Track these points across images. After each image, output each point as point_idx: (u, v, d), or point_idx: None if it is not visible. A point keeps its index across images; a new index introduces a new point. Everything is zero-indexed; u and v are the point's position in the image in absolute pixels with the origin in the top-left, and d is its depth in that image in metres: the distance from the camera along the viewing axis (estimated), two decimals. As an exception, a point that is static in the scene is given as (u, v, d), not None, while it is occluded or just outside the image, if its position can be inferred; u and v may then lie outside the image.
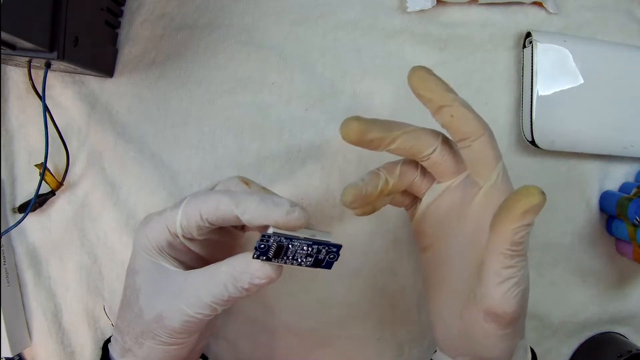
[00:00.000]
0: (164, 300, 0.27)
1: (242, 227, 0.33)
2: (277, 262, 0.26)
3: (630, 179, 0.43)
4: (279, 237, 0.25)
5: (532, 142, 0.39)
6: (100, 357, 0.31)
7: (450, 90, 0.28)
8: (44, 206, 0.39)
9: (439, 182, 0.31)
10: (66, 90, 0.38)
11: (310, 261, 0.27)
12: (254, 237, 0.37)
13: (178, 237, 0.28)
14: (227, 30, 0.39)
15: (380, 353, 0.41)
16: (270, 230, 0.25)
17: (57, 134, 0.36)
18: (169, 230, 0.28)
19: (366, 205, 0.31)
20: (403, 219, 0.40)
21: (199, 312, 0.27)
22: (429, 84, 0.28)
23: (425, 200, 0.32)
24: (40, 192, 0.36)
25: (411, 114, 0.41)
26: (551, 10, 0.41)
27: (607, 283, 0.44)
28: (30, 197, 0.36)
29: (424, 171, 0.32)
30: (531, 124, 0.39)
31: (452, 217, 0.31)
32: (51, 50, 0.30)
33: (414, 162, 0.32)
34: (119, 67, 0.39)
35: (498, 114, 0.41)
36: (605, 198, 0.42)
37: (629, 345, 0.42)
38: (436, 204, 0.31)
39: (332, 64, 0.40)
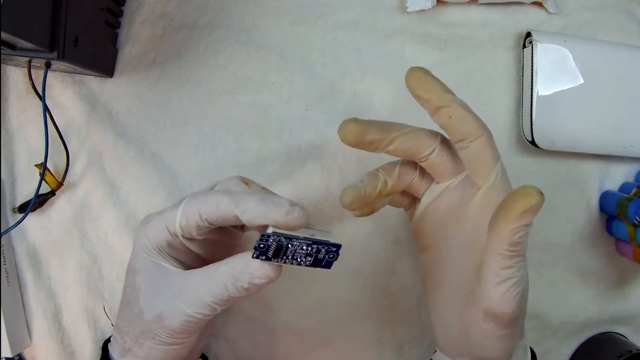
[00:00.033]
0: (163, 300, 0.27)
1: (242, 227, 0.33)
2: (277, 261, 0.26)
3: (630, 179, 0.43)
4: (278, 236, 0.25)
5: (532, 142, 0.39)
6: (100, 357, 0.31)
7: (448, 90, 0.28)
8: (44, 206, 0.39)
9: (437, 183, 0.31)
10: (66, 90, 0.39)
11: (310, 261, 0.27)
12: (254, 237, 0.37)
13: (178, 237, 0.28)
14: (227, 30, 0.39)
15: (380, 353, 0.41)
16: (269, 230, 0.25)
17: (57, 134, 0.36)
18: (169, 230, 0.28)
19: (365, 206, 0.31)
20: (403, 219, 0.40)
21: (198, 312, 0.27)
22: (426, 85, 0.28)
23: (424, 200, 0.32)
24: (40, 192, 0.36)
25: (411, 114, 0.41)
26: (551, 10, 0.41)
27: (607, 283, 0.44)
28: (30, 197, 0.36)
29: (423, 172, 0.32)
30: (531, 124, 0.39)
31: (451, 218, 0.31)
32: (51, 50, 0.30)
33: (412, 163, 0.32)
34: (119, 67, 0.39)
35: (498, 114, 0.41)
36: (605, 198, 0.42)
37: (629, 345, 0.42)
38: (435, 204, 0.31)
39: (332, 64, 0.40)
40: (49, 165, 0.38)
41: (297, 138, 0.39)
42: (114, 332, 0.31)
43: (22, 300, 0.39)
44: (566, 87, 0.39)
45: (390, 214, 0.40)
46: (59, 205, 0.39)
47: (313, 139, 0.39)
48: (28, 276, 0.39)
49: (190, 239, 0.28)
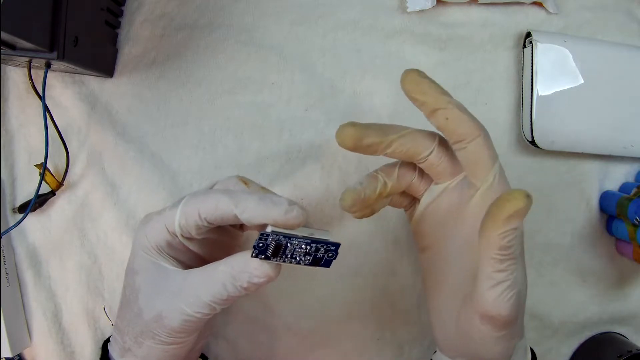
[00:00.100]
0: (163, 299, 0.27)
1: (241, 227, 0.33)
2: (276, 260, 0.26)
3: (630, 179, 0.43)
4: (277, 235, 0.25)
5: (532, 142, 0.39)
6: (100, 357, 0.31)
7: (444, 92, 0.28)
8: (44, 206, 0.39)
9: (436, 184, 0.31)
10: (66, 90, 0.39)
11: (309, 260, 0.27)
12: (253, 236, 0.37)
13: (177, 236, 0.28)
14: (227, 30, 0.39)
15: (380, 353, 0.41)
16: (268, 229, 0.25)
17: (57, 134, 0.36)
18: (168, 230, 0.28)
19: (365, 208, 0.31)
20: (403, 219, 0.40)
21: (198, 312, 0.27)
22: (422, 87, 0.28)
23: (424, 201, 0.32)
24: (40, 192, 0.36)
25: (411, 114, 0.41)
26: (551, 10, 0.41)
27: (607, 283, 0.44)
28: (30, 197, 0.36)
29: (422, 172, 0.32)
30: (531, 124, 0.39)
31: (450, 218, 0.31)
32: (51, 50, 0.30)
33: (411, 164, 0.32)
34: (119, 67, 0.39)
35: (498, 114, 0.41)
36: (605, 198, 0.42)
37: (629, 345, 0.42)
38: (434, 205, 0.31)
39: (332, 64, 0.40)
40: (49, 165, 0.38)
41: (297, 138, 0.39)
42: (114, 332, 0.31)
43: (22, 300, 0.39)
44: (566, 87, 0.39)
45: (391, 214, 0.40)
46: (59, 205, 0.39)
47: (313, 139, 0.39)
48: (28, 276, 0.39)
49: (190, 239, 0.28)
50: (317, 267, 0.27)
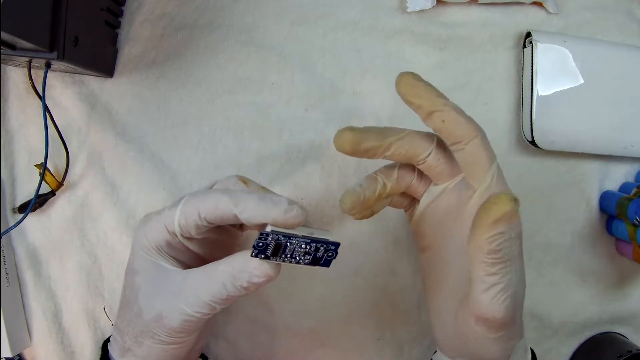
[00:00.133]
0: (163, 299, 0.27)
1: (241, 226, 0.33)
2: (276, 260, 0.26)
3: (630, 179, 0.43)
4: (277, 235, 0.25)
5: (532, 142, 0.39)
6: (100, 356, 0.31)
7: (440, 95, 0.28)
8: (44, 206, 0.39)
9: (435, 184, 0.31)
10: (66, 90, 0.39)
11: (309, 259, 0.27)
12: (253, 236, 0.37)
13: (176, 236, 0.28)
14: (227, 30, 0.39)
15: (380, 353, 0.41)
16: (268, 229, 0.25)
17: (57, 134, 0.36)
18: (168, 230, 0.28)
19: (365, 209, 0.31)
20: (403, 219, 0.40)
21: (198, 311, 0.27)
22: (417, 90, 0.28)
23: (423, 201, 0.32)
24: (40, 192, 0.36)
25: (412, 114, 0.41)
26: (551, 10, 0.41)
27: (607, 283, 0.44)
28: (30, 197, 0.36)
29: (421, 173, 0.32)
30: (531, 124, 0.39)
31: (449, 219, 0.31)
32: (51, 50, 0.31)
33: (410, 165, 0.32)
34: (119, 67, 0.39)
35: (498, 114, 0.41)
36: (605, 198, 0.42)
37: (629, 345, 0.42)
38: (434, 205, 0.31)
39: (332, 64, 0.40)
40: (49, 165, 0.38)
41: (297, 138, 0.39)
42: (114, 332, 0.31)
43: (22, 300, 0.39)
44: (566, 87, 0.39)
45: (391, 214, 0.40)
46: (59, 205, 0.39)
47: (313, 139, 0.39)
48: (28, 276, 0.39)
49: (189, 238, 0.28)
50: (317, 267, 0.27)
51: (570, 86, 0.39)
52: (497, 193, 0.24)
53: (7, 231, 0.36)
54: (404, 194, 0.33)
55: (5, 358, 0.38)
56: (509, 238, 0.25)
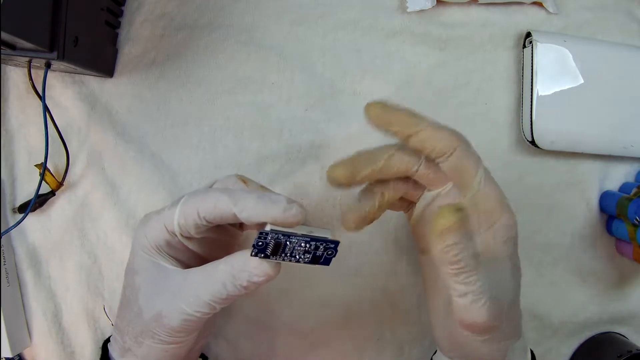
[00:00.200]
0: (163, 299, 0.27)
1: (240, 226, 0.33)
2: (275, 259, 0.26)
3: (630, 179, 0.43)
4: (276, 234, 0.25)
5: (532, 142, 0.39)
6: (100, 356, 0.31)
7: (411, 115, 0.28)
8: (44, 206, 0.39)
9: (429, 190, 0.31)
10: (66, 90, 0.39)
11: (309, 258, 0.27)
12: (253, 236, 0.37)
13: (176, 235, 0.28)
14: (227, 30, 0.39)
15: (380, 353, 0.41)
16: (267, 228, 0.25)
17: (57, 134, 0.36)
18: (167, 229, 0.28)
19: (363, 222, 0.31)
20: (403, 220, 0.40)
21: (197, 311, 0.27)
22: (387, 119, 0.28)
23: (419, 206, 0.32)
24: (40, 192, 0.36)
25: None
26: (551, 10, 0.41)
27: (607, 283, 0.44)
28: (30, 197, 0.36)
29: (416, 180, 0.32)
30: (531, 124, 0.39)
31: None
32: (51, 50, 0.31)
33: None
34: (119, 67, 0.39)
35: (498, 114, 0.41)
36: (605, 198, 0.42)
37: (629, 345, 0.42)
38: (430, 208, 0.32)
39: (332, 64, 0.40)
40: (49, 165, 0.38)
41: (297, 138, 0.39)
42: (114, 331, 0.31)
43: (22, 300, 0.39)
44: (566, 87, 0.39)
45: (391, 214, 0.39)
46: (59, 205, 0.39)
47: (313, 139, 0.39)
48: (28, 276, 0.39)
49: (189, 238, 0.28)
50: (317, 265, 0.27)
51: (570, 86, 0.39)
52: (443, 206, 0.24)
53: (7, 231, 0.36)
54: (402, 198, 0.33)
55: (5, 358, 0.38)
56: (466, 247, 0.25)
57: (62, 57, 0.31)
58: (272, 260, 0.26)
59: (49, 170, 0.37)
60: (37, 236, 0.39)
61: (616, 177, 0.43)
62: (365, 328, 0.41)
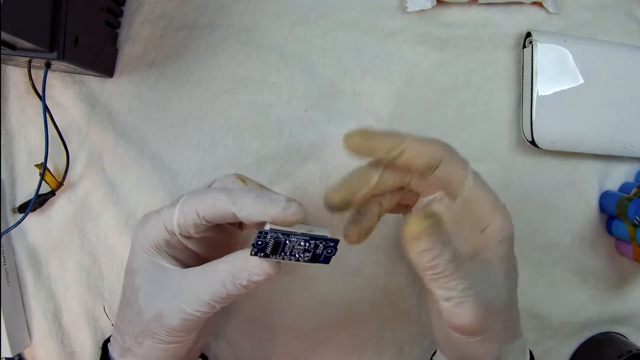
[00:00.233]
0: (163, 299, 0.27)
1: (240, 225, 0.33)
2: (275, 258, 0.26)
3: (630, 179, 0.43)
4: (276, 233, 0.25)
5: (532, 142, 0.39)
6: (100, 356, 0.31)
7: (391, 136, 0.28)
8: (44, 206, 0.39)
9: (423, 197, 0.32)
10: (66, 90, 0.39)
11: (308, 256, 0.27)
12: (253, 235, 0.37)
13: (175, 235, 0.28)
14: (227, 30, 0.39)
15: (380, 353, 0.41)
16: (267, 227, 0.25)
17: (57, 134, 0.36)
18: (167, 229, 0.28)
19: (365, 234, 0.31)
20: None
21: (197, 310, 0.27)
22: (369, 145, 0.28)
23: (416, 209, 0.32)
24: (40, 192, 0.36)
25: (412, 114, 0.41)
26: (551, 10, 0.41)
27: (607, 283, 0.44)
28: (30, 197, 0.36)
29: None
30: (531, 124, 0.39)
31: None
32: (51, 50, 0.31)
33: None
34: (119, 67, 0.39)
35: (498, 113, 0.41)
36: (605, 198, 0.42)
37: (629, 345, 0.42)
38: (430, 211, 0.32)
39: (332, 64, 0.40)
40: (49, 165, 0.38)
41: (297, 138, 0.39)
42: (114, 331, 0.31)
43: (22, 300, 0.39)
44: (566, 87, 0.39)
45: (391, 214, 0.40)
46: (59, 205, 0.39)
47: (313, 139, 0.39)
48: (28, 276, 0.39)
49: (188, 237, 0.28)
50: (317, 264, 0.27)
51: (570, 86, 0.39)
52: (412, 213, 0.25)
53: (7, 231, 0.36)
54: (399, 203, 0.33)
55: (5, 358, 0.38)
56: (440, 253, 0.25)
57: (62, 57, 0.31)
58: (272, 260, 0.26)
59: (49, 170, 0.37)
60: (37, 236, 0.39)
61: (616, 177, 0.43)
62: (365, 328, 0.41)
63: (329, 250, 0.27)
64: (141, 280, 0.28)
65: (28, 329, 0.39)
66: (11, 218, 0.39)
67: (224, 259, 0.27)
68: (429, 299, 0.33)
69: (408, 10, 0.39)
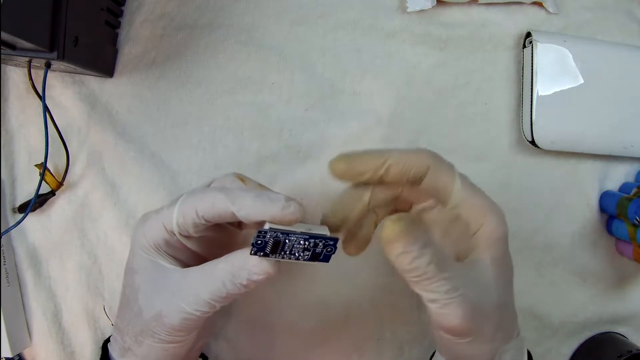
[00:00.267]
0: (162, 298, 0.27)
1: (239, 225, 0.33)
2: (275, 257, 0.26)
3: (630, 179, 0.43)
4: (275, 232, 0.25)
5: (532, 142, 0.39)
6: (100, 356, 0.31)
7: (374, 155, 0.28)
8: (44, 206, 0.39)
9: (416, 204, 0.32)
10: (66, 90, 0.39)
11: (308, 255, 0.27)
12: (252, 234, 0.37)
13: (175, 234, 0.28)
14: (227, 30, 0.39)
15: (380, 353, 0.41)
16: (266, 226, 0.25)
17: (57, 134, 0.36)
18: (166, 228, 0.28)
19: (364, 244, 0.31)
20: (403, 219, 0.40)
21: (197, 310, 0.27)
22: (355, 169, 0.28)
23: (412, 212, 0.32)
24: (40, 192, 0.36)
25: (412, 113, 0.41)
26: (551, 10, 0.41)
27: (607, 283, 0.44)
28: (30, 197, 0.36)
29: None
30: (531, 124, 0.39)
31: (435, 231, 0.31)
32: (51, 50, 0.31)
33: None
34: (119, 67, 0.39)
35: (498, 113, 0.41)
36: (605, 198, 0.42)
37: (629, 345, 0.42)
38: (419, 218, 0.32)
39: (332, 64, 0.40)
40: (49, 165, 0.38)
41: (297, 138, 0.39)
42: (114, 331, 0.31)
43: (22, 300, 0.39)
44: (566, 87, 0.39)
45: (390, 214, 0.40)
46: (59, 205, 0.39)
47: (313, 139, 0.39)
48: (28, 276, 0.39)
49: (188, 237, 0.28)
50: (317, 263, 0.27)
51: (570, 86, 0.39)
52: (386, 218, 0.25)
53: (7, 231, 0.36)
54: (395, 209, 0.33)
55: (5, 358, 0.38)
56: (419, 255, 0.25)
57: (62, 57, 0.31)
58: (272, 259, 0.26)
59: (49, 170, 0.37)
60: (37, 236, 0.39)
61: (616, 177, 0.43)
62: (365, 328, 0.41)
63: (329, 249, 0.27)
64: (141, 279, 0.28)
65: (28, 329, 0.39)
66: (11, 218, 0.39)
67: (223, 259, 0.27)
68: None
69: (408, 10, 0.39)
